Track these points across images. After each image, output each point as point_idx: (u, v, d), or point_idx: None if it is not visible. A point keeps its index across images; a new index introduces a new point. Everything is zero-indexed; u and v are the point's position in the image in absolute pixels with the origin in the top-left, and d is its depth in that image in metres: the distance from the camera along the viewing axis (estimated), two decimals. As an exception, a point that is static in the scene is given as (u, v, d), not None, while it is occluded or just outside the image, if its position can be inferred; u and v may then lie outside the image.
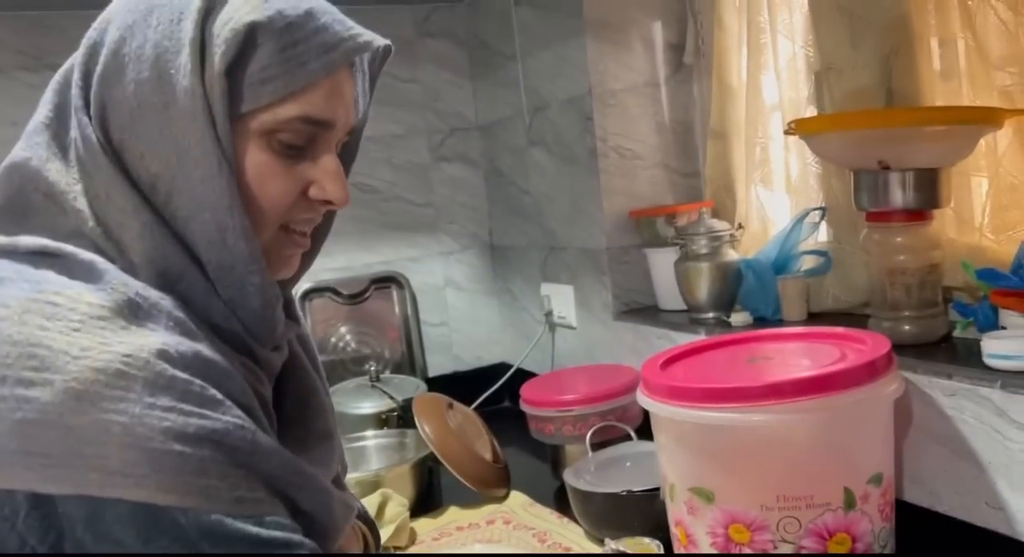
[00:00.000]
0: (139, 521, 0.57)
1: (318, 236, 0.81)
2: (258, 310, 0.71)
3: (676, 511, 1.07)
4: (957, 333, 1.19)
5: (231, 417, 0.61)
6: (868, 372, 0.97)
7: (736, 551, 0.99)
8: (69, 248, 0.64)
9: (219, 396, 0.61)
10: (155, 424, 0.57)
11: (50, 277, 0.62)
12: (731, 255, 1.58)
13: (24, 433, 0.55)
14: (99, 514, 0.57)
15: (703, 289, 1.57)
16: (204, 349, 0.63)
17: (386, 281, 2.21)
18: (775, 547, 0.96)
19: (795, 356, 1.10)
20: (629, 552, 1.09)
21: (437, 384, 2.04)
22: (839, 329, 1.13)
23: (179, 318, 0.64)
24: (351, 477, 1.53)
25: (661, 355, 1.16)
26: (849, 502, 0.96)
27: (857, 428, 0.98)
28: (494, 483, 1.61)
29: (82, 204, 0.66)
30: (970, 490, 1.04)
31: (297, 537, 0.63)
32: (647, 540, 1.11)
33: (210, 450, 0.59)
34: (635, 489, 1.28)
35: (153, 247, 0.66)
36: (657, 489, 1.25)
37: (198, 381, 0.60)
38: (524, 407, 1.68)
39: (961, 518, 1.06)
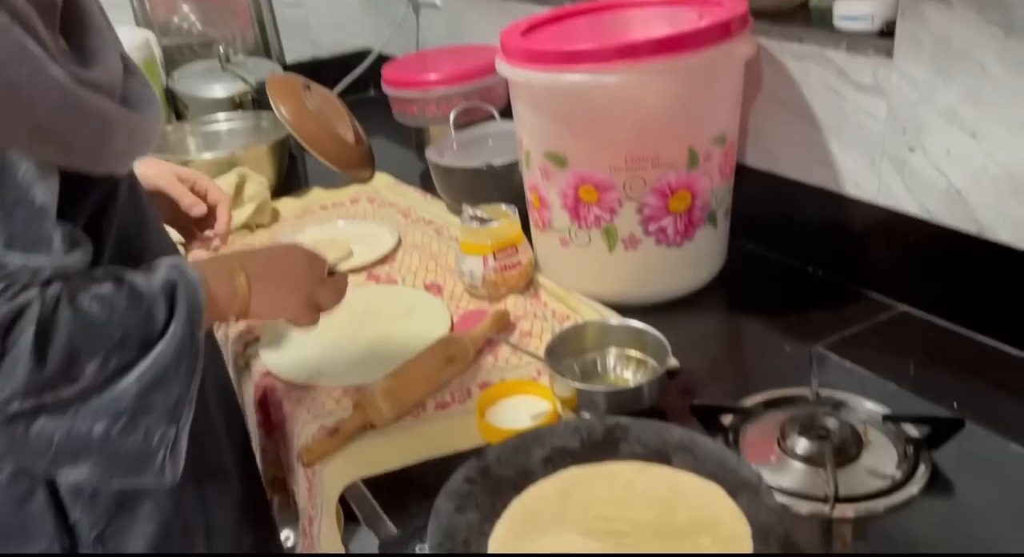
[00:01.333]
0: None
1: None
2: None
3: (531, 177, 1.09)
4: (814, 2, 1.19)
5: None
6: (722, 32, 0.96)
7: (586, 211, 1.03)
8: None
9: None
10: None
11: None
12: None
13: None
14: None
15: (570, -41, 1.49)
16: None
17: (230, -46, 1.99)
18: (621, 205, 1.01)
19: (655, 21, 1.08)
20: (485, 216, 1.12)
21: (296, 70, 1.93)
22: (700, -8, 1.11)
23: None
24: (206, 158, 1.49)
25: (522, 22, 1.12)
26: (692, 161, 1.00)
27: (707, 89, 1.00)
28: (357, 164, 1.60)
29: None
30: (806, 151, 1.10)
31: None
32: (504, 206, 1.14)
33: None
34: (495, 162, 1.30)
35: None
36: (515, 163, 1.28)
37: None
38: (386, 89, 1.63)
39: (795, 177, 1.13)
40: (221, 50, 1.79)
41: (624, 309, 1.05)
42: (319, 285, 0.85)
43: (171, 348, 0.66)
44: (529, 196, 1.12)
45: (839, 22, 1.03)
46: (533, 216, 1.13)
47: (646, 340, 0.93)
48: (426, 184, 1.59)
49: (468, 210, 1.13)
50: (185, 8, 1.93)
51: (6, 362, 0.58)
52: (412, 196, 1.53)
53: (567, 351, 0.94)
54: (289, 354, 1.04)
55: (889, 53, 0.96)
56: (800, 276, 1.14)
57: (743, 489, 0.69)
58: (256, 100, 1.72)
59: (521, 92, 1.06)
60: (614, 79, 0.94)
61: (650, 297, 1.08)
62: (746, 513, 0.67)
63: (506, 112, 1.57)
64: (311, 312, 0.86)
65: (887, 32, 0.97)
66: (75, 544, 0.76)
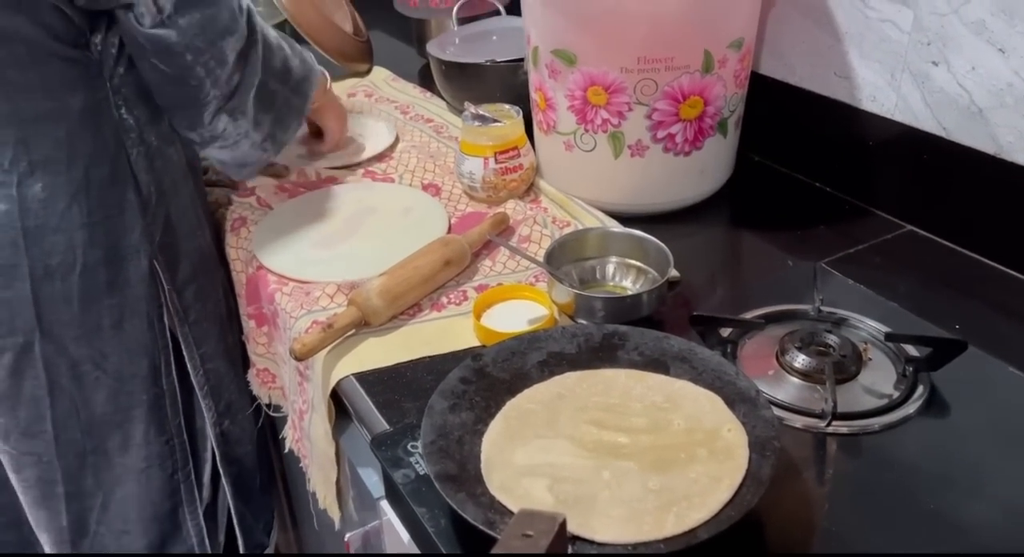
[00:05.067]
0: None
1: None
2: None
3: (537, 76, 1.05)
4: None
5: None
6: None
7: (593, 114, 0.99)
8: None
9: None
10: None
11: None
12: None
13: None
14: None
15: None
16: None
17: None
18: (630, 109, 0.98)
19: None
20: (487, 114, 1.08)
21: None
22: None
23: None
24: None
25: (534, -94, 1.05)
26: (707, 65, 0.96)
27: (726, -10, 0.95)
28: (355, 56, 1.54)
29: None
30: (823, 61, 1.06)
31: None
32: (507, 107, 1.10)
33: None
34: (499, 59, 1.25)
35: None
36: (521, 60, 1.23)
37: None
38: (387, -22, 1.56)
39: (810, 88, 1.09)
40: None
41: (626, 218, 1.03)
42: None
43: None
44: (534, 96, 1.08)
45: (871, -77, 0.97)
46: (537, 117, 1.09)
47: (647, 249, 0.91)
48: (425, 81, 1.54)
49: (470, 108, 1.09)
50: None
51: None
52: (411, 92, 1.48)
53: (566, 257, 0.92)
54: (282, 248, 1.02)
55: (922, -42, 0.91)
56: (808, 191, 1.11)
57: (740, 401, 0.68)
58: (251, -16, 1.64)
59: (532, -16, 1.01)
60: (630, -26, 0.90)
61: (653, 207, 1.06)
62: (743, 425, 0.66)
63: (512, 7, 1.51)
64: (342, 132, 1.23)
65: (922, -64, 0.92)
66: None
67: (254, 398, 1.11)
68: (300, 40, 1.48)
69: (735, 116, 1.05)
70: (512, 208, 1.08)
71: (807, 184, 1.12)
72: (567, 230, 1.02)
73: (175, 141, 0.99)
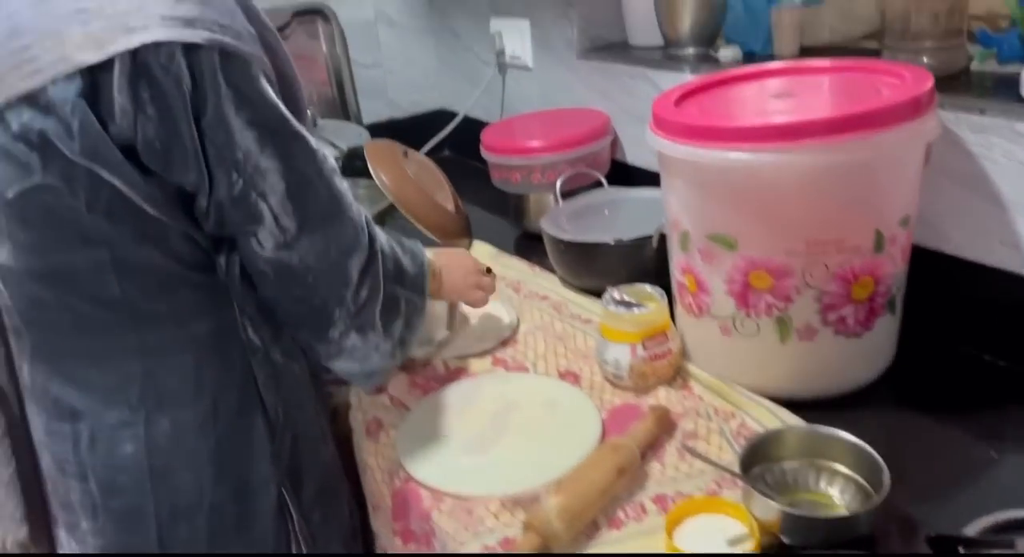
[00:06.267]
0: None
1: None
2: None
3: (686, 259, 1.00)
4: (975, 66, 1.11)
5: None
6: (911, 109, 0.87)
7: (756, 299, 0.94)
8: None
9: None
10: None
11: None
12: (719, -18, 1.41)
13: None
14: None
15: (686, 20, 1.42)
16: None
17: (310, 13, 1.95)
18: (798, 292, 0.92)
19: (825, 91, 1.00)
20: (631, 299, 1.03)
21: (373, 131, 1.87)
22: (873, 61, 1.03)
23: None
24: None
25: (672, 92, 1.04)
26: (878, 245, 0.91)
27: (894, 169, 0.91)
28: (457, 233, 1.51)
29: None
30: (984, 229, 1.01)
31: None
32: (648, 288, 1.05)
33: None
34: (624, 238, 1.21)
35: None
36: (647, 237, 1.19)
37: None
38: (486, 155, 1.56)
39: (970, 258, 1.03)
40: (310, 114, 1.72)
41: (789, 404, 0.95)
42: (481, 275, 1.14)
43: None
44: (681, 278, 1.03)
45: (1031, 92, 0.94)
46: (685, 300, 1.04)
47: (859, 457, 0.81)
48: (524, 252, 1.51)
49: (612, 293, 1.04)
50: (267, 70, 1.88)
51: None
52: (518, 267, 1.44)
53: (757, 459, 0.84)
54: (430, 456, 0.94)
55: (1102, 128, 0.87)
56: (979, 365, 1.03)
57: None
58: (345, 166, 1.65)
59: (678, 168, 0.97)
60: (793, 158, 0.86)
61: (820, 391, 0.98)
62: None
63: (612, 177, 1.50)
64: (480, 294, 1.13)
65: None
66: None
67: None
68: (400, 220, 1.47)
69: (901, 292, 0.99)
70: (664, 397, 1.01)
71: (976, 357, 1.04)
72: (732, 422, 0.94)
73: (299, 355, 0.94)
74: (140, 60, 0.69)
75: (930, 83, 0.91)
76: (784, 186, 0.89)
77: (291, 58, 0.85)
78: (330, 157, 0.85)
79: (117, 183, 0.73)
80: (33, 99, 0.69)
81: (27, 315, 0.78)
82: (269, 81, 0.78)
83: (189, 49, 0.70)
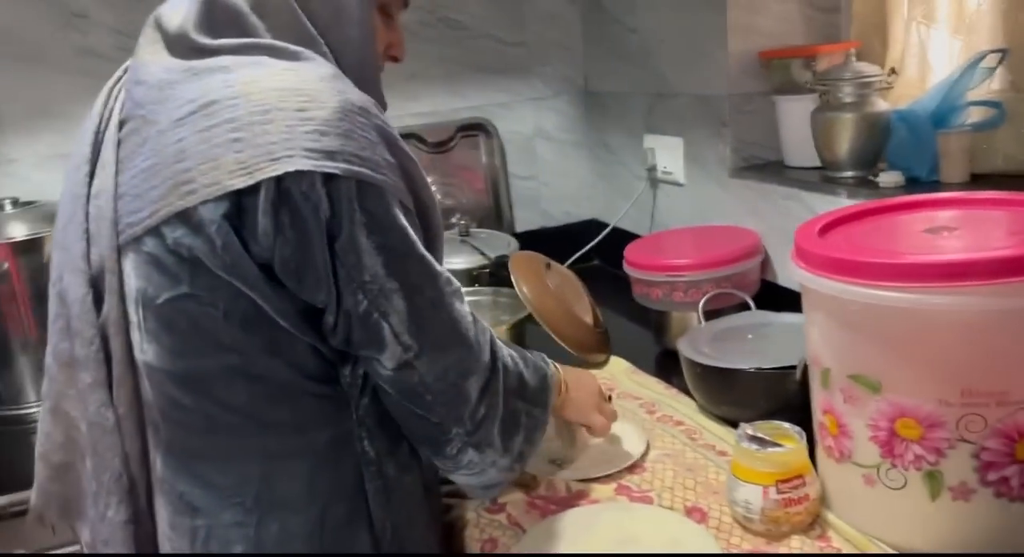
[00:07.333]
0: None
1: None
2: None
3: (826, 398, 0.94)
4: None
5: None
6: (1087, 249, 0.80)
7: (902, 448, 0.86)
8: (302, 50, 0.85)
9: None
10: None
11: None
12: (880, 105, 1.37)
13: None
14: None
15: (844, 144, 1.38)
16: None
17: (473, 128, 2.05)
18: (951, 446, 0.83)
19: (987, 227, 0.93)
20: (766, 437, 0.97)
21: (524, 239, 1.92)
22: (1043, 195, 0.95)
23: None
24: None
25: (818, 219, 1.00)
26: (1048, 400, 0.82)
27: (1067, 315, 0.82)
28: (594, 347, 1.50)
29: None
30: None
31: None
32: (786, 426, 0.99)
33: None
34: (765, 366, 1.15)
35: None
36: (790, 367, 1.13)
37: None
38: (628, 270, 1.55)
39: None
40: (462, 223, 1.79)
41: (942, 568, 0.85)
42: (604, 400, 1.15)
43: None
44: (822, 418, 0.96)
45: None
46: (826, 442, 0.97)
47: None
48: (664, 372, 1.47)
49: (745, 429, 0.99)
50: (428, 179, 1.97)
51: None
52: (654, 388, 1.40)
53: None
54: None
55: None
56: None
57: None
58: (492, 274, 1.69)
59: (822, 302, 0.92)
60: (952, 300, 0.80)
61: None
62: None
63: (760, 300, 1.44)
64: (601, 420, 1.12)
65: None
66: None
67: None
68: (537, 330, 1.48)
69: (1077, 453, 0.88)
70: (799, 546, 0.93)
71: None
72: (874, 584, 0.85)
73: (414, 468, 0.94)
74: (283, 187, 0.74)
75: (1110, 223, 0.83)
76: (940, 329, 0.82)
77: (429, 185, 0.89)
78: (454, 281, 0.88)
79: (254, 296, 0.78)
80: (186, 217, 0.76)
81: (165, 412, 0.83)
82: (404, 207, 0.82)
83: (328, 178, 0.75)
